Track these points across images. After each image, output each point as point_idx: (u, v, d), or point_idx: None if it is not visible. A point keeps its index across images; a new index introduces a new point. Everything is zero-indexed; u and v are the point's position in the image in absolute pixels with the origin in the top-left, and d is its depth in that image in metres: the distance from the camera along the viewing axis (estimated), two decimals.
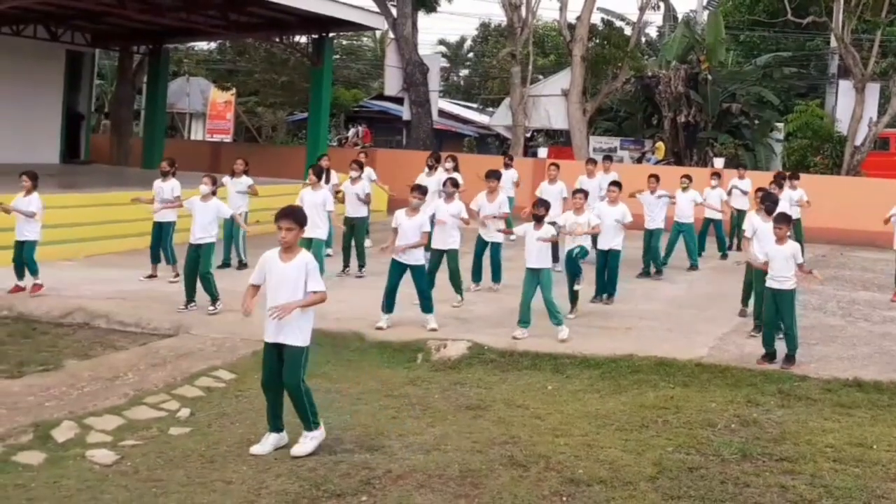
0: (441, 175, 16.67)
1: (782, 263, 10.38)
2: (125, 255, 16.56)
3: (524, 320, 11.25)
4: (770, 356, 10.49)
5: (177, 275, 13.74)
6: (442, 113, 38.80)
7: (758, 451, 7.77)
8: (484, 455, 7.46)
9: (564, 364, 10.32)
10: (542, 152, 25.29)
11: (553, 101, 30.12)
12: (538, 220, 11.39)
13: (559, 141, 35.27)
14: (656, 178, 16.45)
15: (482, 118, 42.17)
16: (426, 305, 11.71)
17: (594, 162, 18.05)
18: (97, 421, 8.07)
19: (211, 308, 12.16)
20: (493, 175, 14.36)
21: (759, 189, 13.58)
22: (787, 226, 10.54)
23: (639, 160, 24.40)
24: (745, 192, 19.07)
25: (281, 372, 7.43)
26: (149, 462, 7.23)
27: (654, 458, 7.50)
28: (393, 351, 10.85)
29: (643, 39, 39.33)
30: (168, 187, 14.41)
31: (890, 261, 15.36)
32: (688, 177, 17.47)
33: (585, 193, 13.08)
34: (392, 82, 31.84)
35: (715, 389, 9.52)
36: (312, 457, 7.32)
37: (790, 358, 10.43)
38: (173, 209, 14.26)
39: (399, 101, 33.62)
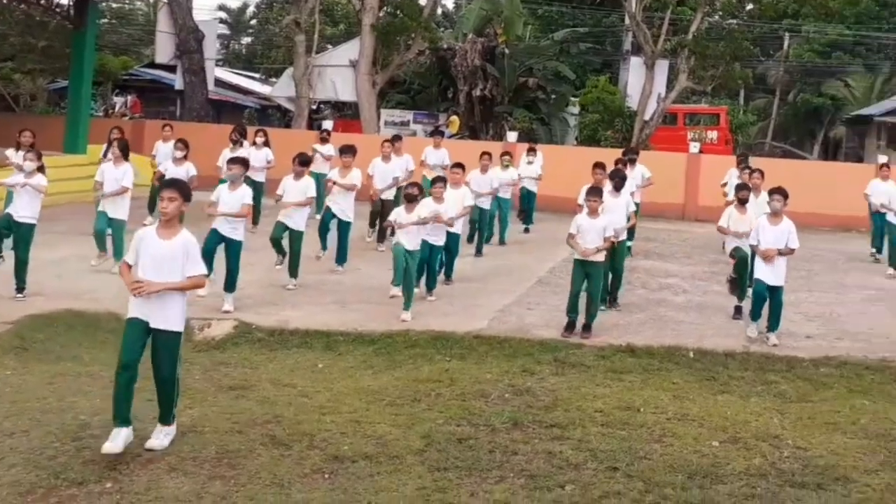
0: (248, 150, 16.59)
1: (595, 236, 11.07)
2: None
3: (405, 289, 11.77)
4: (573, 326, 11.14)
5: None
6: (220, 83, 38.11)
7: (529, 418, 8.20)
8: (244, 435, 7.50)
9: (337, 341, 10.50)
10: (328, 125, 25.29)
11: (340, 72, 30.23)
12: (411, 200, 11.85)
13: (347, 114, 35.41)
14: (489, 155, 17.02)
15: (265, 89, 41.72)
16: (231, 284, 11.69)
17: (398, 138, 18.30)
18: None
19: None
20: (349, 150, 14.72)
21: (596, 164, 14.00)
22: (599, 198, 11.29)
23: (432, 134, 24.90)
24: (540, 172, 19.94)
25: (141, 353, 7.11)
26: None
27: (424, 431, 7.77)
28: None
29: (439, 10, 40.05)
30: None
31: (672, 231, 16.60)
32: (508, 154, 18.38)
33: (444, 180, 13.28)
34: (164, 49, 31.04)
35: (492, 361, 9.95)
36: (53, 444, 7.11)
37: (588, 327, 11.14)
38: None
39: (173, 69, 32.75)
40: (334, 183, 14.42)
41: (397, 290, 12.02)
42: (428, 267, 12.75)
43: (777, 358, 10.53)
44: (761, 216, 11.56)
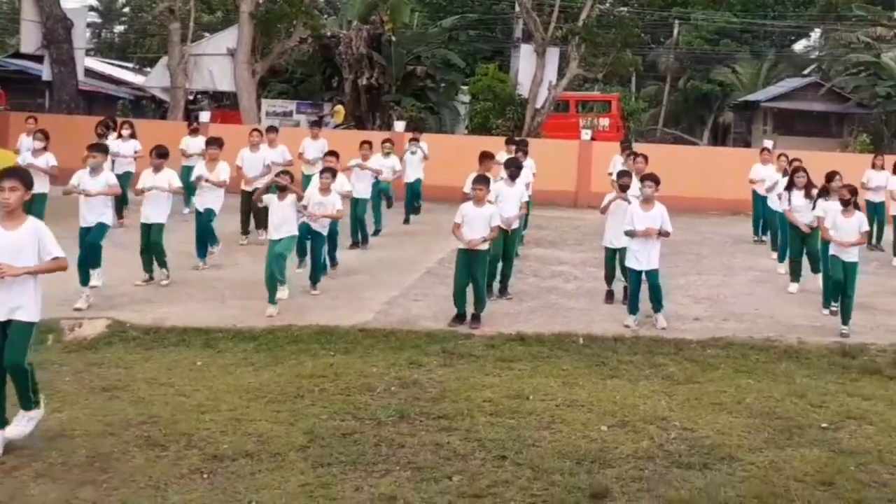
0: (115, 143, 16.30)
1: (481, 225, 11.22)
2: None
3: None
4: (461, 317, 11.25)
5: None
6: (91, 73, 37.11)
7: (416, 411, 8.28)
8: (117, 437, 7.41)
9: (217, 338, 10.41)
10: (205, 116, 24.93)
11: (218, 61, 29.86)
12: (282, 189, 11.82)
13: (225, 104, 34.94)
14: (369, 144, 17.00)
15: (139, 79, 40.87)
16: (84, 278, 11.55)
17: (272, 129, 18.20)
18: None
19: None
20: (214, 143, 14.85)
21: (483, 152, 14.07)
22: (485, 187, 11.41)
23: (316, 124, 24.77)
24: (425, 158, 20.02)
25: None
26: None
27: (307, 427, 7.79)
28: None
29: None
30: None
31: (564, 218, 16.95)
32: (389, 141, 18.40)
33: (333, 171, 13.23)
34: (30, 38, 30.08)
35: (378, 354, 10.00)
36: None
37: (477, 317, 11.27)
38: None
39: (40, 59, 31.78)
40: (206, 180, 14.15)
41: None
42: (312, 260, 12.70)
43: (665, 341, 10.85)
44: (634, 203, 11.86)
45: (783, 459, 7.52)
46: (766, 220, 18.00)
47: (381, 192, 17.92)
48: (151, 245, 12.80)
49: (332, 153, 14.36)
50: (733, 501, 6.75)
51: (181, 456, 7.13)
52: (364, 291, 12.95)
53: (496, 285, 12.71)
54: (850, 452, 7.71)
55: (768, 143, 22.98)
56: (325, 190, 12.71)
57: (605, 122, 35.52)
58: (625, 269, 12.16)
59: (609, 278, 12.94)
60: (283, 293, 11.83)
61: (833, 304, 12.17)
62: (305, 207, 12.21)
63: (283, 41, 30.58)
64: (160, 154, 13.13)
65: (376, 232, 17.69)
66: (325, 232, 12.87)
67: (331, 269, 13.89)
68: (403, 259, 15.32)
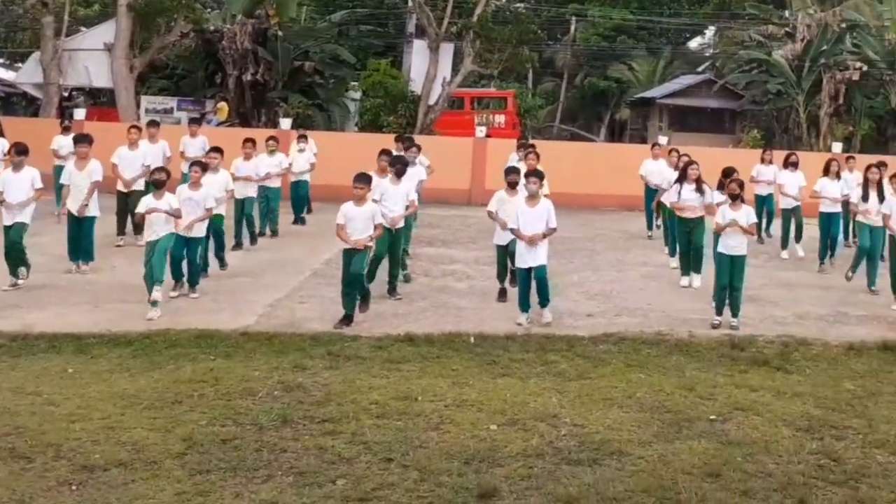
0: None
1: (362, 224, 11.27)
2: None
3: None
4: (349, 318, 11.27)
5: None
6: None
7: (299, 415, 8.26)
8: None
9: (90, 344, 10.21)
10: (80, 113, 24.37)
11: (94, 57, 29.23)
12: (159, 186, 11.76)
13: (102, 101, 34.21)
14: (252, 142, 16.86)
15: (10, 75, 39.70)
16: None
17: (153, 124, 17.91)
18: None
19: None
20: (83, 140, 14.53)
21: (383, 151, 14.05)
22: (366, 186, 11.43)
23: (196, 121, 24.42)
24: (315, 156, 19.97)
25: None
26: None
27: (185, 433, 7.71)
28: None
29: None
30: None
31: (457, 216, 17.06)
32: (274, 139, 18.29)
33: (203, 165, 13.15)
34: None
35: (260, 358, 9.93)
36: None
37: (349, 318, 11.28)
38: None
39: None
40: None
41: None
42: (189, 261, 12.53)
43: (557, 338, 11.03)
44: (520, 199, 11.99)
45: (672, 452, 7.73)
46: (652, 213, 18.52)
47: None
48: (11, 245, 12.49)
49: (215, 149, 14.20)
50: (622, 496, 6.91)
51: (48, 468, 6.98)
52: (247, 294, 12.84)
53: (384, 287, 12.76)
54: (737, 443, 7.97)
55: (662, 140, 23.60)
56: (195, 184, 12.59)
57: (500, 118, 35.88)
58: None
59: (501, 276, 13.08)
60: (157, 294, 11.56)
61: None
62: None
63: (163, 35, 30.11)
64: (19, 151, 12.88)
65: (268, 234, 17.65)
66: (201, 235, 12.71)
67: (220, 271, 13.82)
68: (289, 260, 15.25)
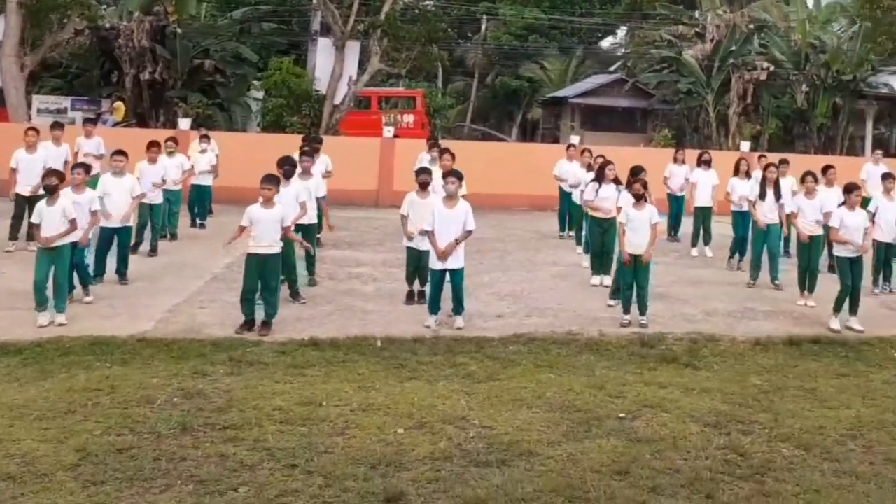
0: None
1: (269, 227, 11.27)
2: None
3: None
4: (250, 323, 11.20)
5: None
6: None
7: (200, 422, 8.19)
8: None
9: None
10: None
11: None
12: (52, 192, 11.53)
13: None
14: (158, 146, 16.59)
15: None
16: None
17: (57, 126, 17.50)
18: None
19: None
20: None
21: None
22: (273, 186, 11.40)
23: (91, 121, 23.95)
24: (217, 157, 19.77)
25: None
26: None
27: (78, 444, 7.59)
28: None
29: None
30: None
31: (364, 218, 17.02)
32: (173, 139, 18.09)
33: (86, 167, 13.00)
34: None
35: (159, 364, 9.81)
36: None
37: (267, 324, 11.24)
38: None
39: None
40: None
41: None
42: (76, 264, 12.27)
43: (466, 339, 11.11)
44: (437, 200, 12.03)
45: (581, 451, 7.86)
46: (571, 215, 18.72)
47: None
48: None
49: (120, 152, 13.96)
50: (531, 497, 7.00)
51: None
52: (144, 298, 12.66)
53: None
54: (646, 441, 8.14)
55: (575, 140, 23.90)
56: (78, 186, 12.38)
57: (409, 118, 35.92)
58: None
59: (410, 278, 13.09)
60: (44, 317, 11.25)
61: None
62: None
63: (55, 33, 29.43)
64: None
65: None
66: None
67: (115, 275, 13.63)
68: (189, 264, 15.07)
